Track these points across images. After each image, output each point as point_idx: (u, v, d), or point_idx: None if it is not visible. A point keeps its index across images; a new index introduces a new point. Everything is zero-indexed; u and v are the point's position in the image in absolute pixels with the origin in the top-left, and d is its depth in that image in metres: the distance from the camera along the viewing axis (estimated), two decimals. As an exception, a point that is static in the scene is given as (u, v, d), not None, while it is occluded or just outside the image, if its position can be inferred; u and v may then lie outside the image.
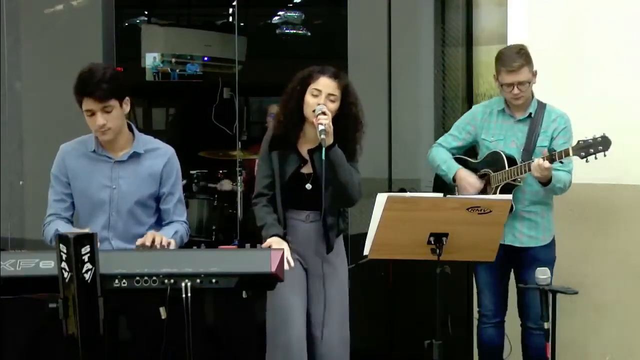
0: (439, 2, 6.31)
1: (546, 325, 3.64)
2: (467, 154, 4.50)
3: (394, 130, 5.78)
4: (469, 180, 4.32)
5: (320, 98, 3.78)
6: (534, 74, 4.23)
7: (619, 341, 4.63)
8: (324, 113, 3.72)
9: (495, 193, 4.22)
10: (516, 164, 4.19)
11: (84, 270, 3.09)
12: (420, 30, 6.45)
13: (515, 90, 4.18)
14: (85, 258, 3.09)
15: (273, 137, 3.92)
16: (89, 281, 3.09)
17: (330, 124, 3.72)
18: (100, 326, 3.12)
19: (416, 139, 6.46)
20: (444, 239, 3.50)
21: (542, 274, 3.65)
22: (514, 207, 4.19)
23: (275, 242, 3.74)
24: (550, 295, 3.62)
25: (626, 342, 4.62)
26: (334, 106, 3.80)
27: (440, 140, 4.52)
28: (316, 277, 3.93)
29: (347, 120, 3.84)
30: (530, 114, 4.27)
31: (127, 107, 3.70)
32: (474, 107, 4.56)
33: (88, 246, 3.10)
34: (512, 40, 4.97)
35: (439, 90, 6.38)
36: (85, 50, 6.14)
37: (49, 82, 6.11)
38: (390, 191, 5.40)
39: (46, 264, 3.20)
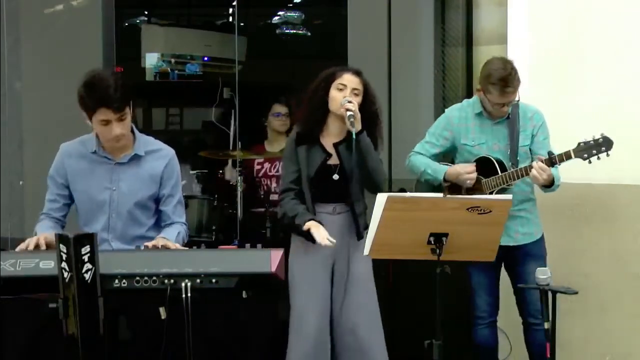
0: (439, 2, 6.31)
1: (546, 325, 3.64)
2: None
3: (394, 130, 5.77)
4: (462, 170, 4.25)
5: (346, 92, 3.98)
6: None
7: (619, 341, 4.63)
8: (350, 102, 3.92)
9: None
10: (505, 167, 4.18)
11: (84, 270, 3.09)
12: (420, 30, 6.46)
13: (505, 108, 4.20)
14: (85, 258, 3.09)
15: (298, 134, 4.09)
16: (89, 281, 3.10)
17: (357, 110, 3.91)
18: (100, 326, 3.12)
19: (416, 139, 6.45)
20: (444, 239, 3.50)
21: (542, 274, 3.64)
22: None
23: (314, 224, 3.91)
24: (550, 295, 3.61)
25: (626, 342, 4.61)
26: (357, 100, 3.99)
27: (417, 148, 4.46)
28: (344, 269, 4.04)
29: (367, 115, 4.00)
30: (508, 115, 4.26)
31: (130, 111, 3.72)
32: (447, 111, 4.49)
33: (88, 246, 3.10)
34: (512, 40, 4.97)
35: (439, 90, 6.38)
36: (85, 50, 6.15)
37: (49, 82, 6.11)
38: (390, 191, 5.39)
39: (46, 264, 3.21)
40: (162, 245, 3.54)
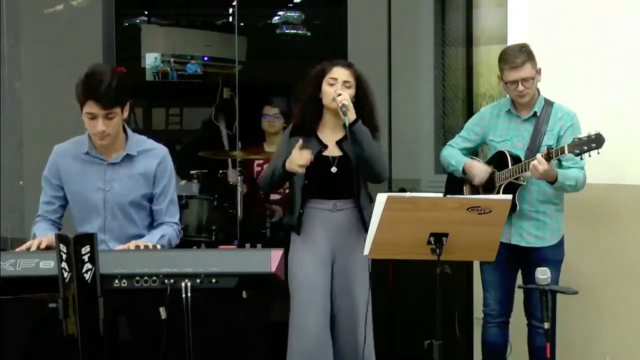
0: (439, 2, 6.31)
1: (546, 325, 3.64)
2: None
3: (394, 130, 5.78)
4: (476, 167, 4.31)
5: (337, 86, 4.00)
6: (538, 72, 4.21)
7: (619, 341, 4.63)
8: (340, 95, 3.94)
9: (498, 192, 4.20)
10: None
11: (84, 270, 3.09)
12: (420, 30, 6.46)
13: (520, 87, 4.17)
14: (85, 258, 3.09)
15: (294, 125, 4.14)
16: (89, 281, 3.10)
17: (349, 100, 3.94)
18: (100, 326, 3.12)
19: (416, 139, 6.46)
20: (444, 239, 3.50)
21: (542, 274, 3.63)
22: (517, 207, 4.18)
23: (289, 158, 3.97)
24: (550, 295, 3.61)
25: (626, 342, 4.61)
26: (350, 92, 4.01)
27: (451, 141, 4.55)
28: (342, 270, 4.03)
29: (362, 106, 4.04)
30: (536, 112, 4.25)
31: (126, 113, 3.68)
32: (482, 108, 4.56)
33: (88, 246, 3.10)
34: (512, 40, 4.96)
35: (439, 90, 6.38)
36: (85, 50, 6.14)
37: (49, 82, 6.11)
38: (390, 191, 5.39)
39: (46, 264, 3.21)
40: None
